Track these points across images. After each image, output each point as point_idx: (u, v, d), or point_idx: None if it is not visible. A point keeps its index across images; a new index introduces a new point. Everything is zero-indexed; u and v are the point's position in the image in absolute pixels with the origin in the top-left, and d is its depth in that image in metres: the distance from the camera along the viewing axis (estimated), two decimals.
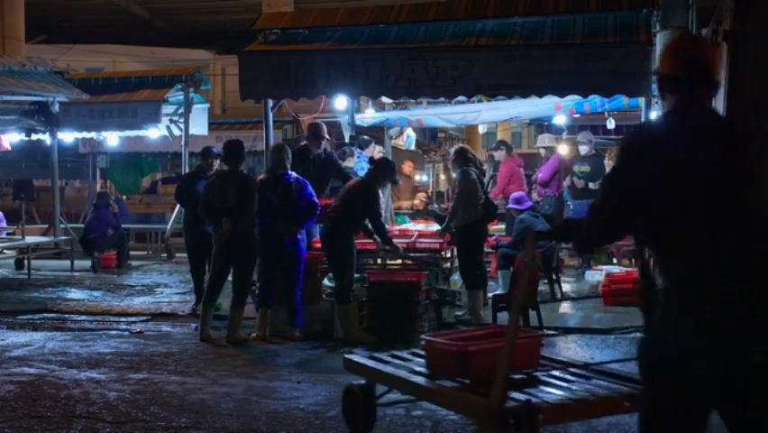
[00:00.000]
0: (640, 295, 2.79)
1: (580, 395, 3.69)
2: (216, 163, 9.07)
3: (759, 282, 2.50)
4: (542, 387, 3.80)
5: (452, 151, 9.03)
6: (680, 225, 2.63)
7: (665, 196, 2.64)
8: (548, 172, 11.86)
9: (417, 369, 4.20)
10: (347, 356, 4.80)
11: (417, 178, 16.16)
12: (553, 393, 3.70)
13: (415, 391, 4.23)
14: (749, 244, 2.57)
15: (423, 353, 4.35)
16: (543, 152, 12.52)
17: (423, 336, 4.63)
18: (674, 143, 2.71)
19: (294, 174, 7.64)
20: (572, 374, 4.02)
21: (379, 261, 8.56)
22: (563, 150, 13.05)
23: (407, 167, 14.13)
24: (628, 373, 3.79)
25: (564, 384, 3.86)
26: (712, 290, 2.49)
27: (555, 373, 4.02)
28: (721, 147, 2.71)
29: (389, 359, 4.58)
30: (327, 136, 9.34)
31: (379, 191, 8.11)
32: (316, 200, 7.64)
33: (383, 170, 7.76)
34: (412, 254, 8.19)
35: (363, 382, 4.53)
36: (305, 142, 9.40)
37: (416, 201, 13.28)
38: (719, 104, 5.73)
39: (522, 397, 3.51)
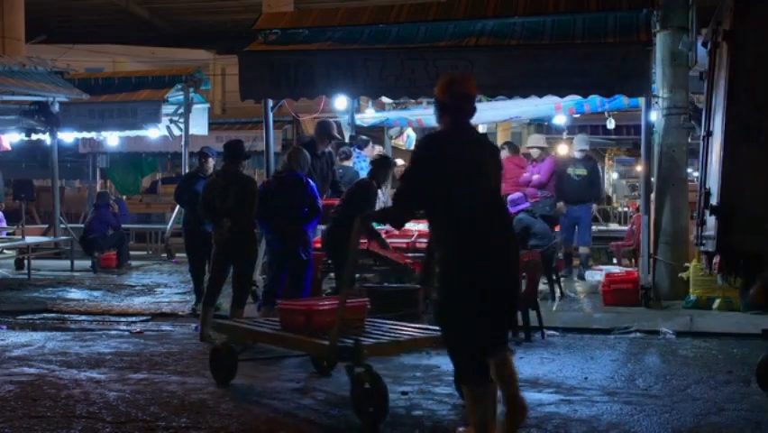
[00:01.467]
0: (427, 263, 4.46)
1: (394, 338, 5.21)
2: (212, 163, 9.07)
3: (505, 244, 4.15)
4: (367, 335, 5.20)
5: None
6: (459, 208, 4.04)
7: (450, 189, 4.04)
8: (546, 174, 11.56)
9: (273, 326, 5.68)
10: (217, 321, 6.46)
11: None
12: (374, 338, 5.14)
13: (275, 341, 5.64)
14: (499, 222, 4.17)
15: (274, 318, 5.86)
16: (535, 152, 11.90)
17: (277, 301, 6.13)
18: (454, 152, 4.10)
19: (300, 174, 7.59)
20: (391, 327, 5.45)
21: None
22: (562, 150, 12.93)
23: None
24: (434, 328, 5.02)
25: (383, 333, 5.30)
26: (477, 247, 4.03)
27: (377, 326, 5.47)
28: (482, 156, 4.20)
29: (250, 322, 6.11)
30: (338, 136, 9.31)
31: (380, 192, 8.12)
32: (319, 202, 7.61)
33: (380, 167, 7.78)
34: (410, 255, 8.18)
35: (226, 341, 5.83)
36: (310, 138, 9.38)
37: None
38: (719, 104, 5.73)
39: (351, 339, 4.90)
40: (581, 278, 11.08)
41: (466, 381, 4.11)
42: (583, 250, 11.40)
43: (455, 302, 4.04)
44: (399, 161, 14.32)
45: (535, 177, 11.48)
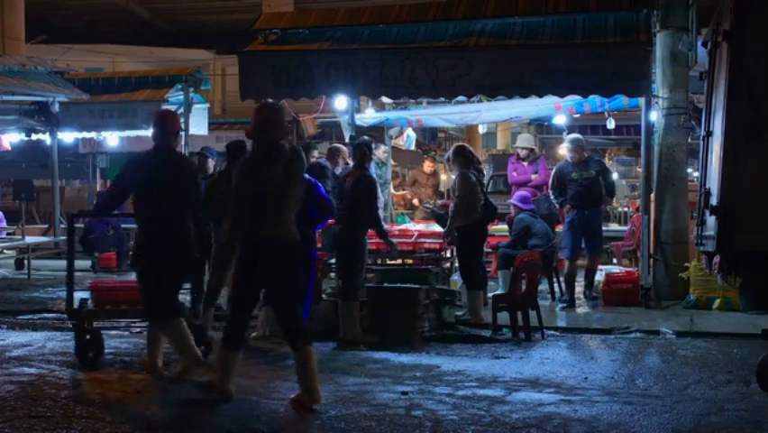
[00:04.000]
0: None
1: (128, 306, 7.06)
2: (212, 164, 9.07)
3: (171, 232, 5.95)
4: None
5: (451, 150, 8.90)
6: (152, 205, 5.90)
7: (148, 192, 5.88)
8: (546, 174, 11.10)
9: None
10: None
11: (444, 177, 15.77)
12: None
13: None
14: (170, 218, 5.92)
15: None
16: (524, 152, 11.20)
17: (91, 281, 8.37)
18: (152, 165, 5.93)
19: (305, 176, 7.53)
20: None
21: (379, 261, 8.57)
22: (563, 151, 12.78)
23: (428, 166, 14.13)
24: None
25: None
26: (154, 234, 5.99)
27: None
28: (169, 169, 5.95)
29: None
30: (349, 161, 9.24)
31: (378, 190, 8.12)
32: (329, 202, 7.54)
33: (363, 153, 7.72)
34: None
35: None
36: (324, 159, 9.52)
37: (407, 196, 13.00)
38: (719, 104, 5.73)
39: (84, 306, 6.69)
40: (588, 298, 9.46)
41: (149, 314, 6.14)
42: (591, 263, 9.61)
43: (141, 265, 6.05)
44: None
45: (534, 176, 11.21)
